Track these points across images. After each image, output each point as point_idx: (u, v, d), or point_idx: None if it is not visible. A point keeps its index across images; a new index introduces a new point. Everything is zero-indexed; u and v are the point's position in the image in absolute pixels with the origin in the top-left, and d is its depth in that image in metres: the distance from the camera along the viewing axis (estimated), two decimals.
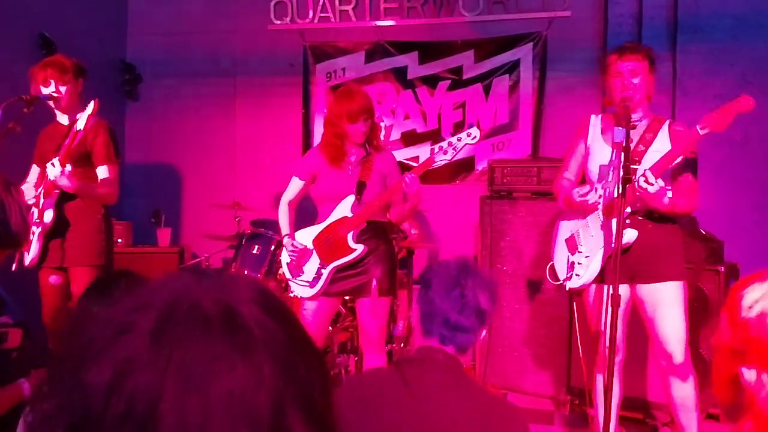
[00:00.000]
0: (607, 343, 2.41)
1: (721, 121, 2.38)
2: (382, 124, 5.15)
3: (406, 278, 4.40)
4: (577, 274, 2.75)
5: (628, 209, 2.64)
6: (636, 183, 2.44)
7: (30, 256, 3.16)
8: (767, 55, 4.22)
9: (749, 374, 1.02)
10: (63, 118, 3.30)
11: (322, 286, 3.04)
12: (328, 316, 3.20)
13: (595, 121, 2.84)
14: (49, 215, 3.13)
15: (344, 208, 3.05)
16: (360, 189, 3.05)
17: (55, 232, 3.16)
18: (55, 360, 0.56)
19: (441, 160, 3.04)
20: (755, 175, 4.22)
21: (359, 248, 3.01)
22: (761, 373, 1.01)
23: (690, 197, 2.62)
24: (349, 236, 3.03)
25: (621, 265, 2.36)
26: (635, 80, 2.64)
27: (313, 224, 3.17)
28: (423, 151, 5.03)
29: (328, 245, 3.06)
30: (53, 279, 3.19)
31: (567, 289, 2.80)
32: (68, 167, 3.09)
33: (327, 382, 0.60)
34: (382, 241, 3.12)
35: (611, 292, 2.39)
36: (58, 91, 3.18)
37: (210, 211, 4.83)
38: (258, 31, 5.28)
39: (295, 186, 3.22)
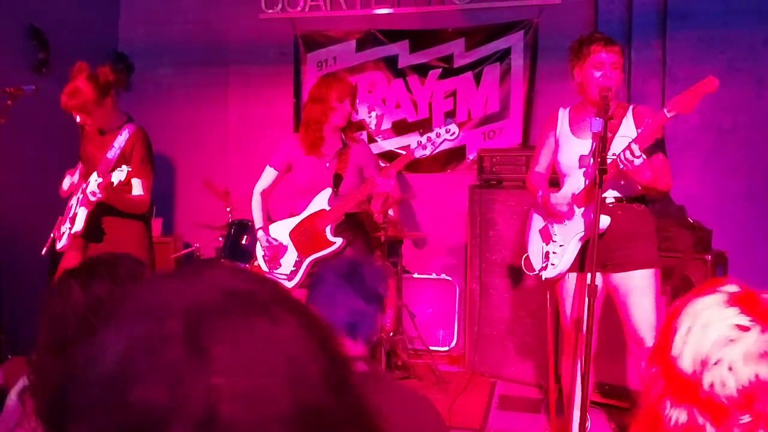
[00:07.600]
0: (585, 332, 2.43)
1: (687, 104, 2.36)
2: (373, 113, 5.15)
3: (395, 267, 4.41)
4: (552, 264, 2.77)
5: (614, 194, 2.66)
6: (622, 155, 2.45)
7: (61, 244, 3.08)
8: (757, 41, 4.18)
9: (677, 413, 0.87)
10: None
11: (300, 278, 3.06)
12: None
13: (563, 115, 2.85)
14: (80, 223, 3.01)
15: (321, 201, 3.05)
16: (337, 182, 3.06)
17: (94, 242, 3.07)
18: (77, 382, 0.52)
19: (420, 155, 3.08)
20: (744, 163, 4.20)
21: (338, 241, 3.03)
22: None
23: (665, 175, 2.63)
24: (327, 229, 3.04)
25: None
26: (615, 73, 2.66)
27: (289, 216, 3.17)
28: (414, 141, 4.99)
29: (306, 238, 3.06)
30: None
31: (543, 279, 2.82)
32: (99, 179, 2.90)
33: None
34: (360, 233, 3.14)
35: (588, 282, 2.40)
36: (85, 121, 3.06)
37: (203, 200, 4.84)
38: (249, 21, 5.27)
39: (268, 176, 3.21)
